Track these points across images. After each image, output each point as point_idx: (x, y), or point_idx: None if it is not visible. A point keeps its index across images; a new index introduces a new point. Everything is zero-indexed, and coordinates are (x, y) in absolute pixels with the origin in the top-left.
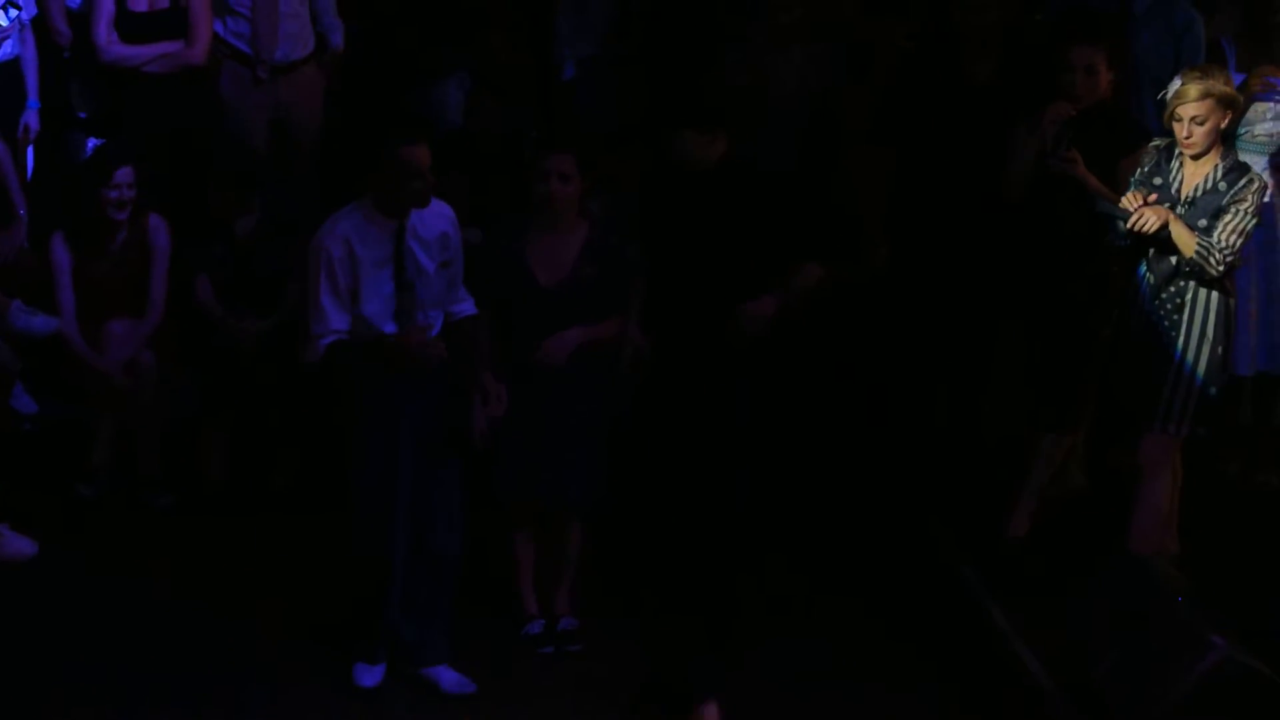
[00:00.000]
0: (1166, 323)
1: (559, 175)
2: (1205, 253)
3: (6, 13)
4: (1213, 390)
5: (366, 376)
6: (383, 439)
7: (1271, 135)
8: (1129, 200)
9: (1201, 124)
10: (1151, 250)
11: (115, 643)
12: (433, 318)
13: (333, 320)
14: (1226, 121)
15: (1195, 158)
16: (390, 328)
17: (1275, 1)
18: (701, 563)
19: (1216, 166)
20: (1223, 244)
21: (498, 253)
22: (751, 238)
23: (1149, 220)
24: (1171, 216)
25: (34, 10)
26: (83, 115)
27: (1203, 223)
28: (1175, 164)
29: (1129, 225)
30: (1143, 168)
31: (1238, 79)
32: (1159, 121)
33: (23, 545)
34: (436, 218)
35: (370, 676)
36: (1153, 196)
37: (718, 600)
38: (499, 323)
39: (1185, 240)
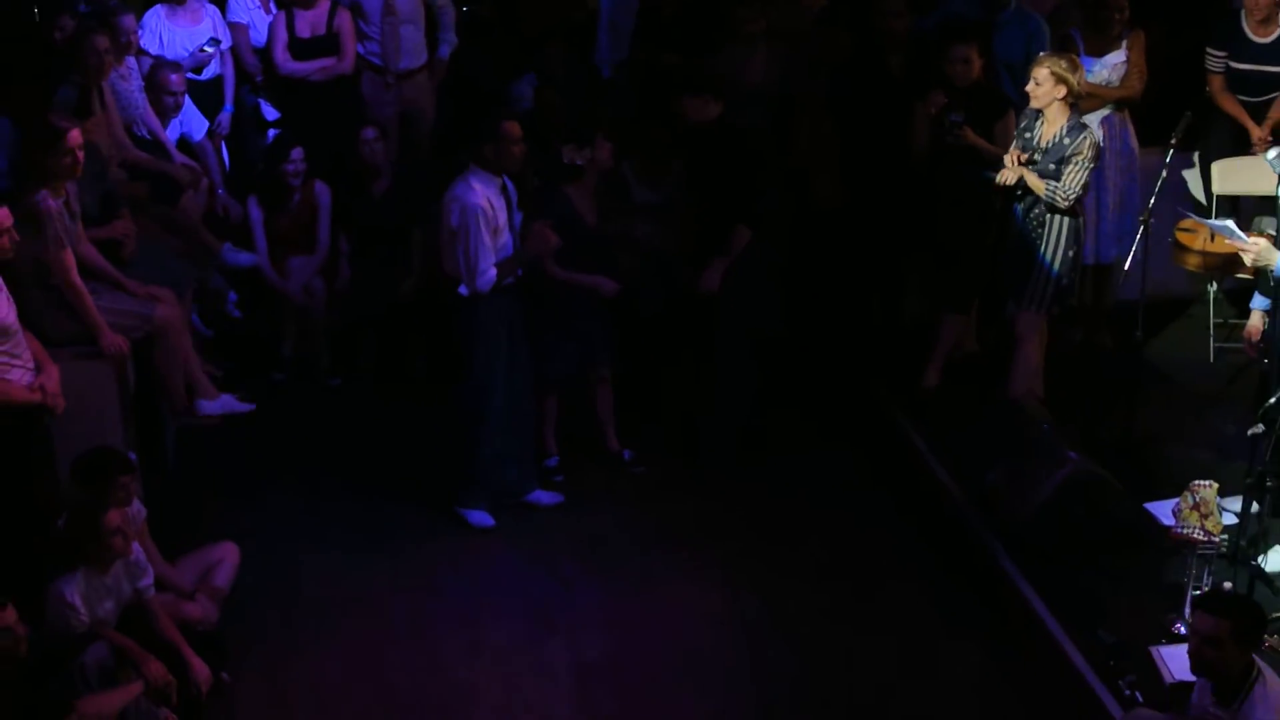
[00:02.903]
0: (1034, 235)
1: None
2: (1052, 195)
3: (211, 45)
4: (1065, 281)
5: (494, 308)
6: (503, 344)
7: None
8: (1010, 156)
9: (1040, 85)
10: (1020, 189)
11: (300, 474)
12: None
13: (490, 258)
14: (1061, 92)
15: (1047, 113)
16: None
17: (1106, 2)
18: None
19: (1063, 125)
20: (1066, 187)
21: (553, 203)
22: (733, 177)
23: (1008, 177)
24: (1025, 172)
25: (230, 41)
26: (267, 115)
27: (1052, 166)
28: (1037, 122)
29: (997, 180)
30: (1020, 124)
31: (1087, 61)
32: (1015, 94)
33: (244, 407)
34: (508, 179)
35: (489, 518)
36: (1024, 155)
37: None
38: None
39: (1038, 187)
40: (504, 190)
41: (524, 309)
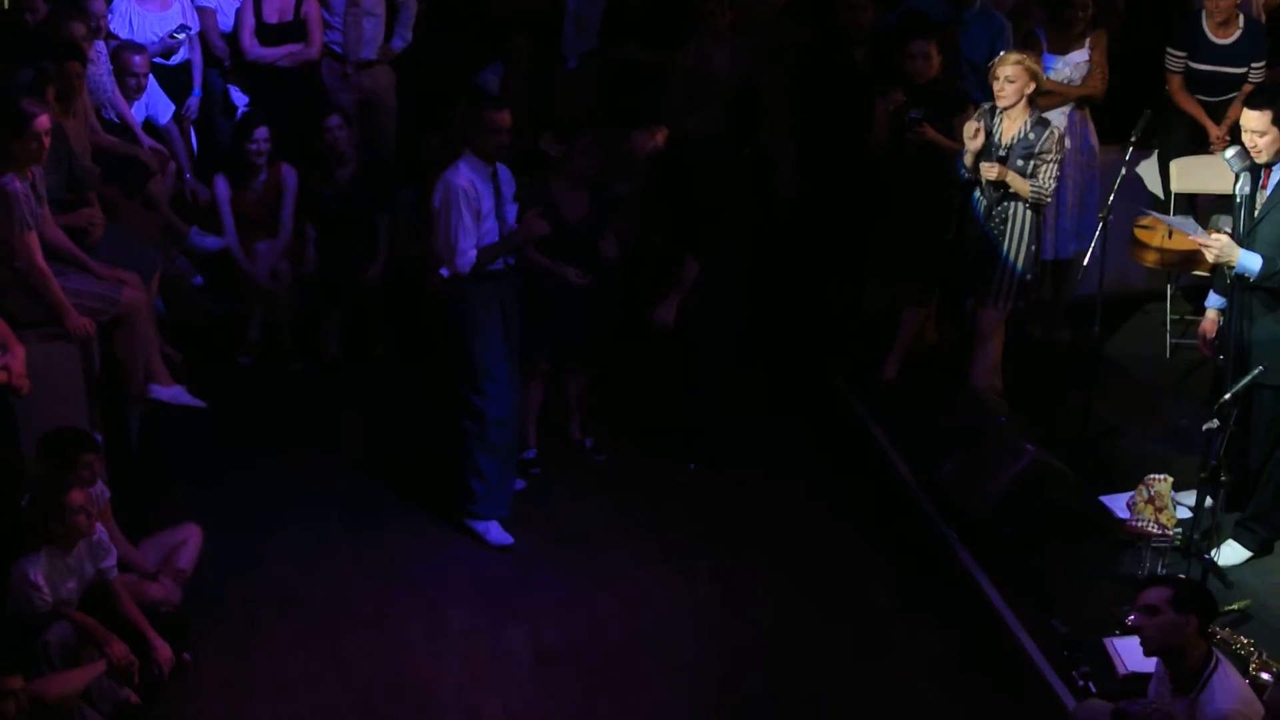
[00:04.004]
0: (996, 232)
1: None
2: (1038, 194)
3: (181, 31)
4: (1028, 276)
5: (482, 294)
6: (500, 333)
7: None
8: (969, 128)
9: (1012, 82)
10: (983, 183)
11: (264, 458)
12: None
13: (470, 237)
14: (1032, 88)
15: (1008, 110)
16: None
17: (1070, 0)
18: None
19: (1026, 121)
20: (1046, 186)
21: (536, 193)
22: (680, 207)
23: (992, 172)
24: (1010, 174)
25: (198, 27)
26: (235, 99)
27: (1019, 163)
28: (998, 120)
29: (984, 178)
30: (976, 120)
31: (1049, 59)
32: (979, 93)
33: (195, 402)
34: (502, 170)
35: (507, 535)
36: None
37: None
38: None
39: (1022, 187)
40: (494, 178)
41: (518, 300)
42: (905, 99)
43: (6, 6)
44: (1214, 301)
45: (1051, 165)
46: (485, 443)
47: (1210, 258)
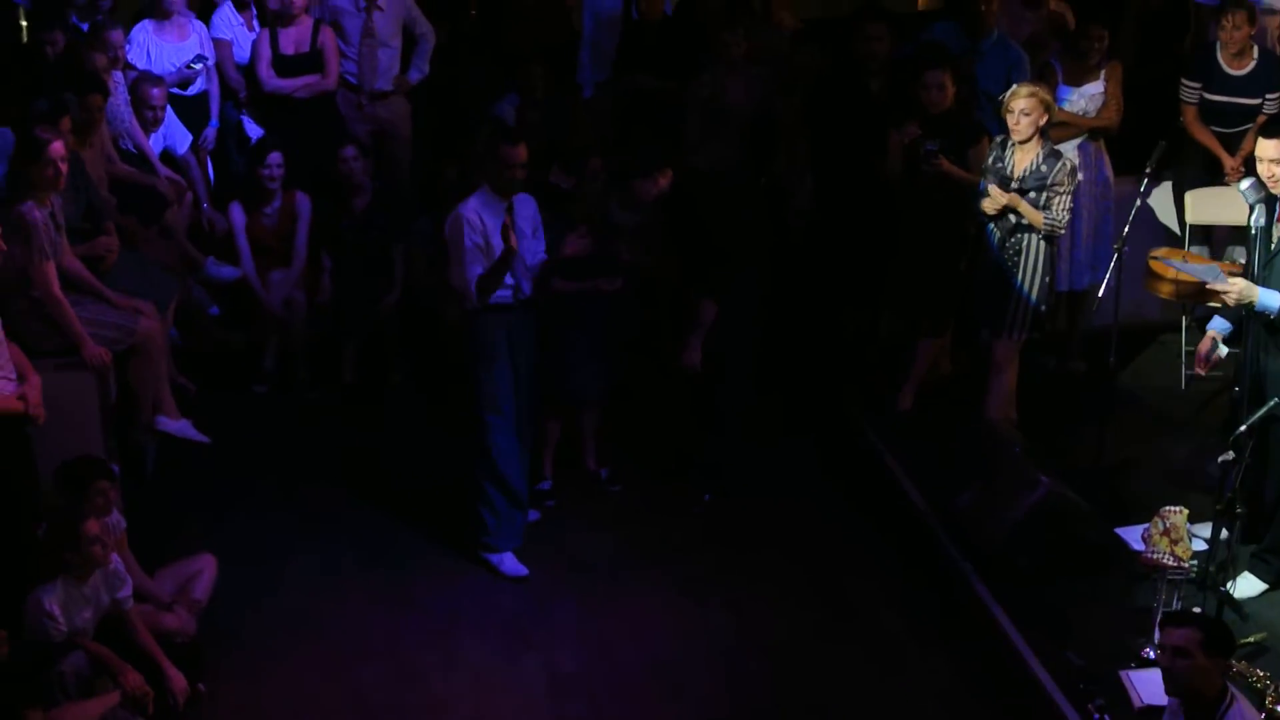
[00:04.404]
0: (1010, 263)
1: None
2: (1051, 225)
3: (197, 62)
4: (1043, 307)
5: (490, 326)
6: (508, 365)
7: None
8: (988, 204)
9: (1027, 115)
10: (998, 216)
11: (279, 487)
12: (530, 267)
13: (475, 267)
14: (1045, 119)
15: (1022, 143)
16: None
17: (1086, 32)
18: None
19: (1039, 153)
20: (1059, 218)
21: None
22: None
23: (999, 204)
24: (1022, 204)
25: (214, 58)
26: (249, 130)
27: (1032, 195)
28: (1009, 152)
29: (986, 208)
30: (989, 155)
31: (1064, 90)
32: (994, 125)
33: (200, 438)
34: (525, 204)
35: (521, 566)
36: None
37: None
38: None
39: (1036, 218)
40: (510, 211)
41: (530, 335)
42: (920, 131)
43: (25, 39)
44: (1217, 324)
45: (1064, 197)
46: (493, 473)
47: (1231, 302)
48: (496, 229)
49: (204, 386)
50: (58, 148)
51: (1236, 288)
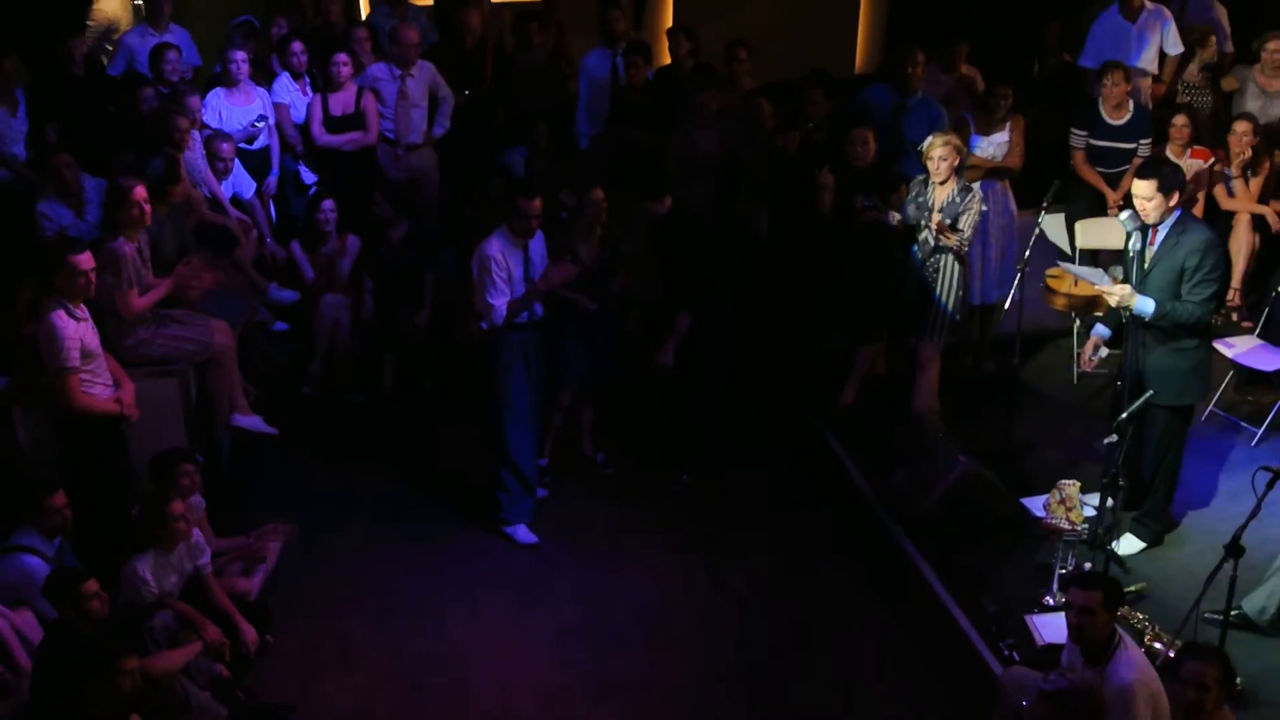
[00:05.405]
0: (930, 280)
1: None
2: (959, 244)
3: (260, 121)
4: (958, 316)
5: (510, 342)
6: (523, 373)
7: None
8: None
9: (945, 160)
10: (920, 239)
11: (330, 475)
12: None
13: (502, 296)
14: (959, 162)
15: (941, 183)
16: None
17: (994, 91)
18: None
19: (954, 190)
20: (965, 236)
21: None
22: (678, 262)
23: (945, 240)
24: (946, 230)
25: (274, 118)
26: (305, 178)
27: (947, 221)
28: (929, 188)
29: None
30: (911, 191)
31: (975, 139)
32: (919, 167)
33: (269, 430)
34: (539, 243)
35: (531, 535)
36: (945, 222)
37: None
38: None
39: (951, 240)
40: (525, 248)
41: (541, 349)
42: (833, 179)
43: (106, 62)
44: (1100, 330)
45: (971, 221)
46: (508, 461)
47: (1113, 302)
48: (517, 263)
49: (255, 393)
50: (140, 192)
51: (1121, 292)
